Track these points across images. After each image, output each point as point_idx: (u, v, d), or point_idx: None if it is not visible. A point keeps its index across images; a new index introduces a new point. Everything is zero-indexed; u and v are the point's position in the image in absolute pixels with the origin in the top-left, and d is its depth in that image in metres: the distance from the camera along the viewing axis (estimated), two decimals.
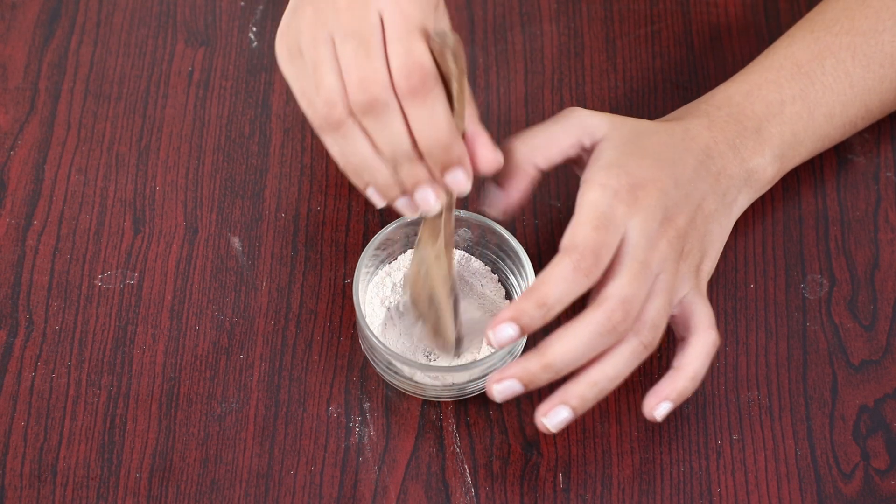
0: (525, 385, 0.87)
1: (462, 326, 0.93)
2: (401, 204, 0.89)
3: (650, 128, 0.93)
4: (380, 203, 0.89)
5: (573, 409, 0.88)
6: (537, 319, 0.86)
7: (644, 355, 0.88)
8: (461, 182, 0.87)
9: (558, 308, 0.86)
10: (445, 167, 0.86)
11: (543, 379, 0.87)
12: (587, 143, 0.92)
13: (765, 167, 0.95)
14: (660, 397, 0.89)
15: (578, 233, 0.87)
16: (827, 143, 0.99)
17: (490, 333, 0.86)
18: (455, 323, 0.92)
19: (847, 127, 0.99)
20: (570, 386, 0.88)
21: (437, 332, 0.92)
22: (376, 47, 0.84)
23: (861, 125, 1.00)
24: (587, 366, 0.87)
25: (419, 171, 0.87)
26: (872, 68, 0.98)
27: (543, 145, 0.92)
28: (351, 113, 0.85)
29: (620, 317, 0.86)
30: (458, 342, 0.93)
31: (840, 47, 0.97)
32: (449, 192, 0.88)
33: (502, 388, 0.87)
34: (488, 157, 0.88)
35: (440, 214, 0.89)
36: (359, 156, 0.87)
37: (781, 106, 0.96)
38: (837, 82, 0.97)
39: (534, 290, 0.86)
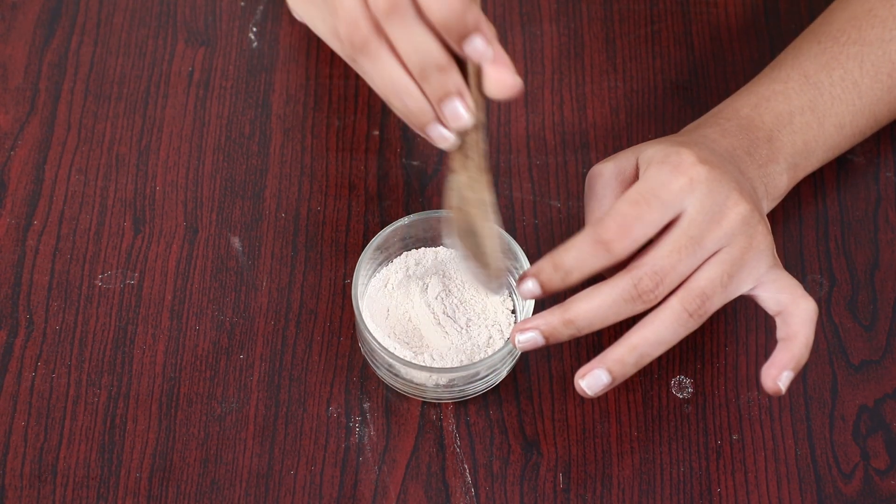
0: (546, 337, 0.88)
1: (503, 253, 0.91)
2: (433, 131, 0.85)
3: (674, 136, 0.94)
4: (441, 139, 0.86)
5: (611, 373, 0.87)
6: (556, 281, 0.87)
7: (690, 324, 0.87)
8: (479, 49, 0.82)
9: (576, 275, 0.86)
10: (462, 37, 0.82)
11: (564, 334, 0.87)
12: (630, 179, 0.91)
13: (780, 174, 0.95)
14: (780, 367, 0.88)
15: (614, 206, 0.87)
16: (836, 153, 0.99)
17: (517, 287, 0.89)
18: (499, 247, 0.89)
19: (856, 136, 0.99)
20: (609, 349, 0.87)
21: (484, 264, 0.90)
22: None
23: (869, 133, 1.00)
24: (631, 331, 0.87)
25: (448, 80, 0.83)
26: (880, 78, 0.98)
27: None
28: (376, 28, 0.82)
29: (649, 286, 0.86)
30: (500, 272, 0.90)
31: (847, 57, 0.97)
32: (479, 108, 0.85)
33: (525, 339, 0.88)
34: (507, 80, 0.84)
35: (469, 137, 0.86)
36: (388, 77, 0.83)
37: (791, 116, 0.96)
38: (846, 93, 0.97)
39: (553, 252, 0.87)
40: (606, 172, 0.91)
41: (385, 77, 0.84)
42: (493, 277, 0.90)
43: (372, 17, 0.82)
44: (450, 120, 0.85)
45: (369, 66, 0.84)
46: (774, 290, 0.89)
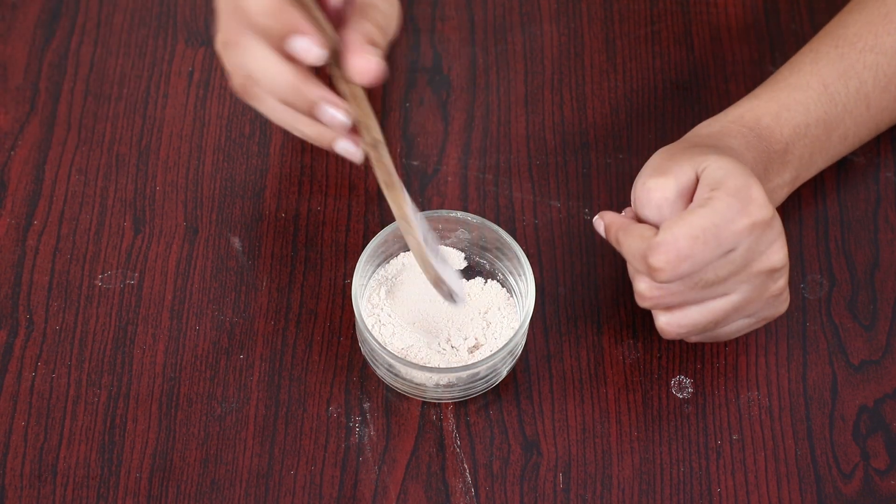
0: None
1: (445, 270, 0.93)
2: (339, 147, 0.90)
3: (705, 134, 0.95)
4: (347, 153, 0.91)
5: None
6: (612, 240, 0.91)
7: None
8: (304, 47, 0.86)
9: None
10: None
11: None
12: (691, 193, 0.90)
13: (782, 186, 0.95)
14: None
15: (674, 232, 0.88)
16: (834, 161, 0.99)
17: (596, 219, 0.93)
18: (427, 258, 0.92)
19: (855, 145, 1.00)
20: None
21: (436, 281, 0.92)
22: None
23: (867, 140, 1.00)
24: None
25: (308, 93, 0.88)
26: (890, 88, 0.98)
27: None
28: (249, 79, 0.89)
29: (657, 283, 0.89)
30: (435, 280, 0.92)
31: (864, 66, 0.97)
32: (373, 129, 0.89)
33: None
34: (360, 64, 0.87)
35: (371, 155, 0.90)
36: (279, 116, 0.90)
37: (806, 129, 0.96)
38: (857, 104, 0.97)
39: (626, 226, 0.91)
40: (670, 194, 0.89)
41: (277, 116, 0.90)
42: (443, 294, 0.93)
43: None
44: (329, 124, 0.89)
45: (262, 110, 0.91)
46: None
